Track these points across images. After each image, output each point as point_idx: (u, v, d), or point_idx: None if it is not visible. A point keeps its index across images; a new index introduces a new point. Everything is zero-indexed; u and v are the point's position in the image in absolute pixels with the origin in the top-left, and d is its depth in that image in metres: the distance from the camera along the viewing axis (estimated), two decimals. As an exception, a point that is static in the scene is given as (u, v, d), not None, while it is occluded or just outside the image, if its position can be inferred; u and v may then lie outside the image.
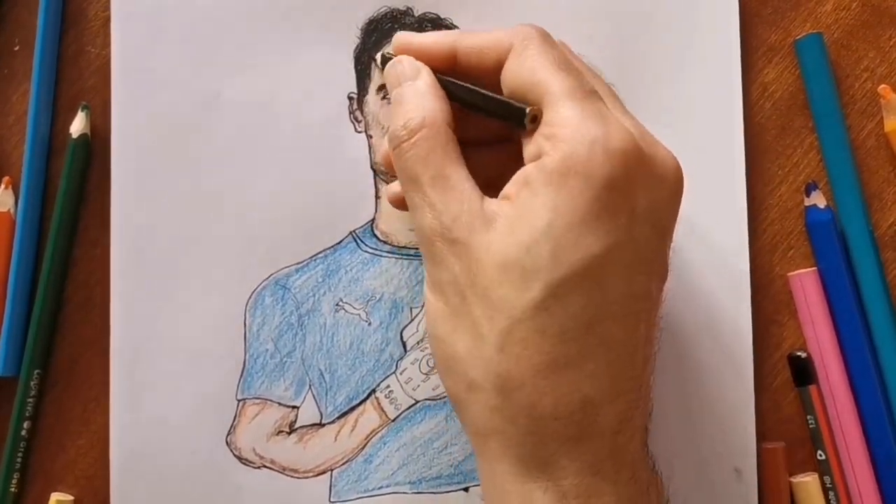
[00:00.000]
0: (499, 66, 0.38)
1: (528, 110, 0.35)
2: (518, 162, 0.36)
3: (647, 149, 0.35)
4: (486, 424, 0.35)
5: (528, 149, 0.36)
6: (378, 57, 0.43)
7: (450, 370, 0.36)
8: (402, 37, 0.40)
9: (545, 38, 0.38)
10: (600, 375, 0.34)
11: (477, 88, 0.38)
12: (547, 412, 0.34)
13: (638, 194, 0.34)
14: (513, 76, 0.37)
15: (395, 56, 0.40)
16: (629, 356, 0.35)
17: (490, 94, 0.38)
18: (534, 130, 0.35)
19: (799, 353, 0.45)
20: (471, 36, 0.39)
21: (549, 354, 0.33)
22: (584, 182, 0.33)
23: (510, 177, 0.36)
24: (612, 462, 0.35)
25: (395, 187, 0.41)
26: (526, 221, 0.34)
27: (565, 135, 0.34)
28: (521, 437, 0.34)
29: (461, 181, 0.36)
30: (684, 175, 0.37)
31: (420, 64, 0.39)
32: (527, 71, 0.36)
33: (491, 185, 0.36)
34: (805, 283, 0.45)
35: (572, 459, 0.34)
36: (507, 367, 0.34)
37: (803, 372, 0.45)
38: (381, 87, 0.46)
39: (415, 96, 0.38)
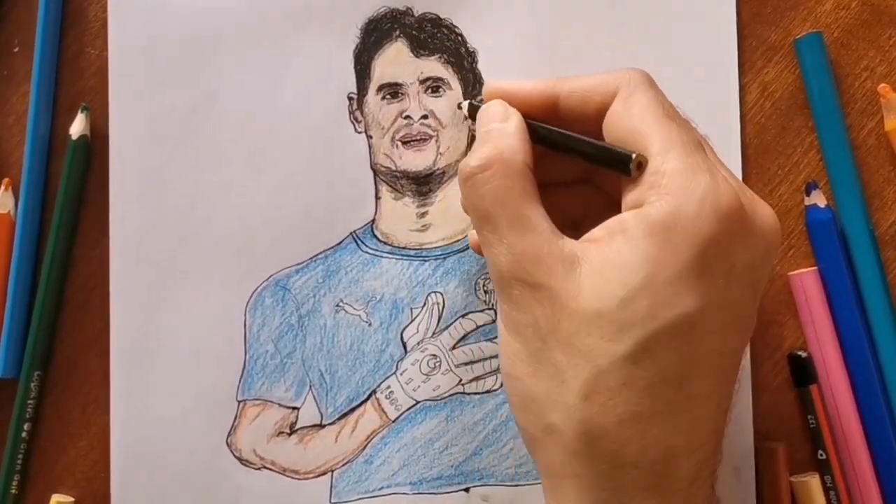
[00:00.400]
0: (602, 111, 0.37)
1: (633, 156, 0.34)
2: (596, 205, 0.36)
3: (748, 206, 0.34)
4: (562, 467, 0.34)
5: (629, 196, 0.34)
6: (465, 105, 0.41)
7: (526, 410, 0.35)
8: (495, 83, 0.39)
9: (652, 83, 0.37)
10: (684, 428, 0.33)
11: (576, 134, 0.37)
12: (629, 460, 0.33)
13: (738, 253, 0.34)
14: (618, 121, 0.36)
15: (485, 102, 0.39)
16: (713, 410, 0.34)
17: (592, 140, 0.36)
18: (637, 178, 0.34)
19: (799, 353, 0.45)
20: (572, 80, 0.38)
21: (635, 405, 0.33)
22: (690, 238, 0.32)
23: (585, 219, 0.35)
24: None
25: (475, 235, 0.40)
26: (620, 271, 0.33)
27: (673, 187, 0.33)
28: (600, 482, 0.34)
29: (540, 221, 0.35)
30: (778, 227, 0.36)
31: (513, 109, 0.38)
32: (635, 117, 0.35)
33: (564, 225, 0.36)
34: (805, 283, 0.45)
35: None
36: (591, 415, 0.33)
37: (803, 372, 0.45)
38: (381, 87, 0.46)
39: (498, 135, 0.37)
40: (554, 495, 0.35)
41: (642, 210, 0.33)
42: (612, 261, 0.33)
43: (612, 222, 0.34)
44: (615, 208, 0.35)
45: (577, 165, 0.38)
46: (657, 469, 0.33)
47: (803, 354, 0.45)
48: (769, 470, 0.45)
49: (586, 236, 0.35)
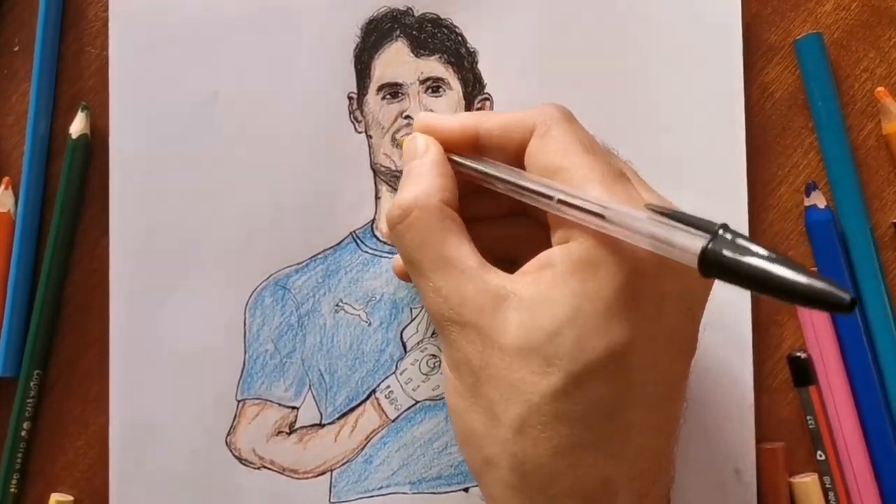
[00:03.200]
0: (521, 149, 0.37)
1: (554, 196, 0.34)
2: (532, 237, 0.36)
3: None
4: (502, 499, 0.34)
5: (557, 232, 0.35)
6: (399, 139, 0.43)
7: (467, 443, 0.36)
8: (423, 118, 0.40)
9: (568, 117, 0.37)
10: (621, 457, 0.33)
11: (499, 170, 0.37)
12: (564, 492, 0.33)
13: (666, 284, 0.33)
14: (537, 158, 0.36)
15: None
16: (653, 437, 0.34)
17: (511, 171, 0.37)
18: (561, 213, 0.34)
19: (798, 354, 0.45)
20: (493, 116, 0.38)
21: (568, 437, 0.33)
22: (614, 271, 0.32)
23: (522, 250, 0.35)
24: None
25: (399, 260, 0.40)
26: (548, 306, 0.33)
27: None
28: None
29: (464, 259, 0.35)
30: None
31: (431, 141, 0.38)
32: (552, 153, 0.35)
33: (501, 258, 0.36)
34: None
35: None
36: (524, 448, 0.33)
37: (803, 372, 0.45)
38: (381, 87, 0.46)
39: (416, 174, 0.37)
40: None
41: (567, 247, 0.33)
42: (540, 296, 0.33)
43: (541, 257, 0.34)
44: (549, 241, 0.35)
45: (508, 198, 0.37)
46: (595, 498, 0.33)
47: (803, 355, 0.45)
48: (768, 471, 0.45)
49: (518, 271, 0.35)
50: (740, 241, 0.29)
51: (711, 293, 0.45)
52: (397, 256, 0.40)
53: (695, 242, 0.30)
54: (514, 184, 0.36)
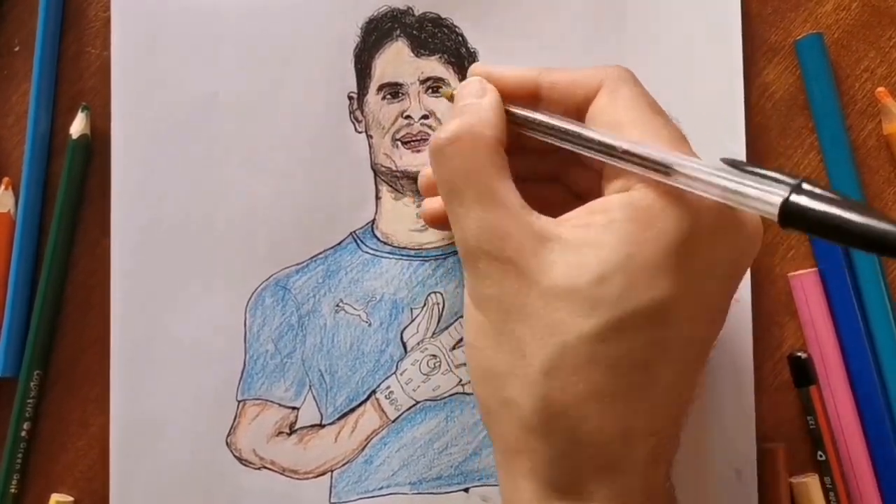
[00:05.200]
0: (584, 106, 0.37)
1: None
2: (564, 202, 0.36)
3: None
4: (518, 442, 0.34)
5: (614, 182, 0.34)
6: (443, 90, 0.42)
7: (485, 382, 0.35)
8: (479, 66, 0.40)
9: (636, 80, 0.37)
10: (644, 411, 0.33)
11: (561, 121, 0.37)
12: (585, 438, 0.33)
13: (718, 248, 0.34)
14: (604, 114, 0.36)
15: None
16: (675, 397, 0.34)
17: (580, 125, 0.36)
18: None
19: (799, 354, 0.45)
20: (556, 71, 0.38)
21: (597, 384, 0.33)
22: (673, 227, 0.32)
23: (554, 216, 0.35)
24: (641, 494, 0.34)
25: (432, 204, 0.40)
26: (598, 249, 0.33)
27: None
28: (555, 459, 0.34)
29: (509, 196, 0.35)
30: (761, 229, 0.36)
31: (490, 87, 0.38)
32: (621, 110, 0.35)
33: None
34: (805, 284, 0.45)
35: (601, 486, 0.34)
36: (551, 391, 0.33)
37: (803, 372, 0.45)
38: (382, 87, 0.46)
39: (472, 110, 0.37)
40: (507, 471, 0.35)
41: (628, 195, 0.33)
42: (590, 239, 0.33)
43: (593, 204, 0.34)
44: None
45: (546, 162, 0.38)
46: (613, 449, 0.33)
47: (803, 355, 0.45)
48: (769, 471, 0.45)
49: (565, 216, 0.35)
50: (821, 192, 0.29)
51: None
52: (426, 171, 0.40)
53: (772, 195, 0.30)
54: (577, 134, 0.36)
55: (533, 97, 0.38)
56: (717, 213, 0.33)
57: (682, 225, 0.33)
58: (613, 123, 0.35)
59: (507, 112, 0.38)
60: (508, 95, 0.38)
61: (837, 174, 0.46)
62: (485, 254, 0.34)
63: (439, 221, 0.38)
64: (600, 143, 0.35)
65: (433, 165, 0.37)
